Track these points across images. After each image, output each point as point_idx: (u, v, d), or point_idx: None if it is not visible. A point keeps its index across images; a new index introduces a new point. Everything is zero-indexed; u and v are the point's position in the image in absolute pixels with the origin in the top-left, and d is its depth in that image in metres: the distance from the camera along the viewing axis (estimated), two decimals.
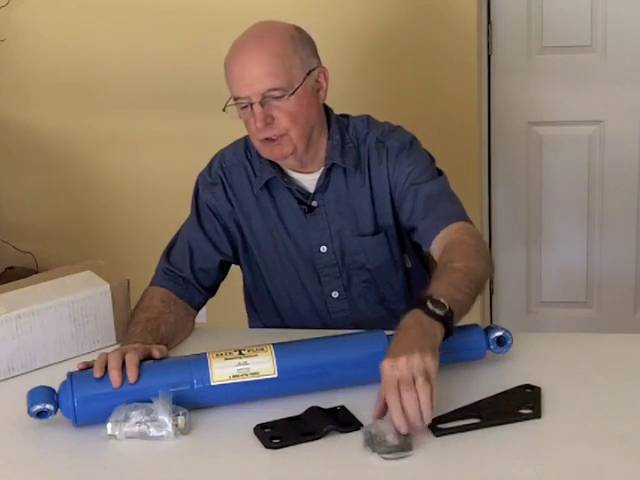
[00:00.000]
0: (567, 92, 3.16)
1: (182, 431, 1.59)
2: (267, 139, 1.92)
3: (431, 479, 1.48)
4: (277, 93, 1.88)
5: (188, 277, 2.04)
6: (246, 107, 1.90)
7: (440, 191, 1.97)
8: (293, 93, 1.89)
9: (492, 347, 1.76)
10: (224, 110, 1.94)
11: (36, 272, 2.99)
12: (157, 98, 3.22)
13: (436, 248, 1.89)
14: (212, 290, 2.10)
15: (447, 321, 1.62)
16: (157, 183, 3.29)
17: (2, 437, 1.65)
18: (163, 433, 1.58)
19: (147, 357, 1.70)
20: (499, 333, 1.76)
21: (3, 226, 3.42)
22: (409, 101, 3.07)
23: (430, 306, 1.62)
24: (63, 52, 3.24)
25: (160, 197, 3.29)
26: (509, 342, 1.76)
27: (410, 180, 1.97)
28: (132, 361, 1.65)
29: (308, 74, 1.92)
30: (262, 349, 1.68)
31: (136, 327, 1.87)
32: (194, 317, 2.05)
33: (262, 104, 1.88)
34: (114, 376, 1.63)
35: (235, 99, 1.92)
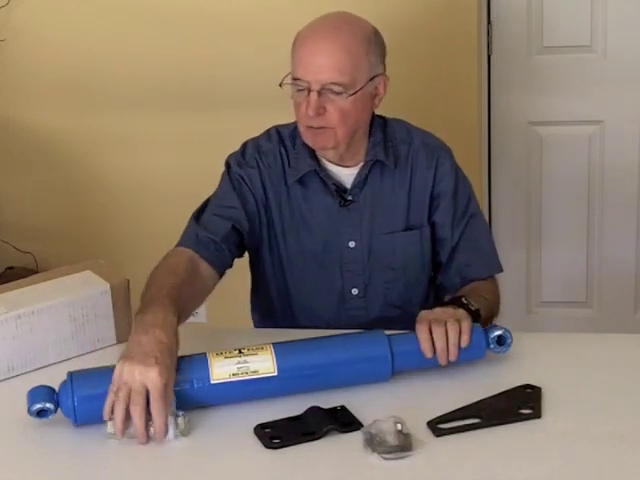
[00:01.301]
0: (567, 92, 3.16)
1: (182, 432, 1.58)
2: (312, 127, 1.92)
3: (431, 479, 1.48)
4: (337, 88, 1.89)
5: (217, 239, 1.97)
6: (302, 90, 1.90)
7: (480, 233, 2.09)
8: (353, 94, 1.90)
9: (492, 346, 1.76)
10: (280, 85, 1.94)
11: (36, 272, 2.99)
12: (157, 98, 3.22)
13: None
14: (238, 253, 2.05)
15: (476, 317, 1.81)
16: (157, 183, 3.29)
17: (2, 437, 1.65)
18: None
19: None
20: (499, 332, 1.76)
21: (3, 226, 3.42)
22: (409, 101, 3.07)
23: (464, 300, 1.85)
24: (63, 52, 3.24)
25: (160, 197, 3.29)
26: (509, 341, 1.76)
27: (457, 214, 2.05)
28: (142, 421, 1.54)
29: (371, 79, 1.94)
30: (262, 348, 1.68)
31: (159, 292, 1.75)
32: (216, 279, 1.97)
33: (319, 93, 1.89)
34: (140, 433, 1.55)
35: (294, 79, 1.92)
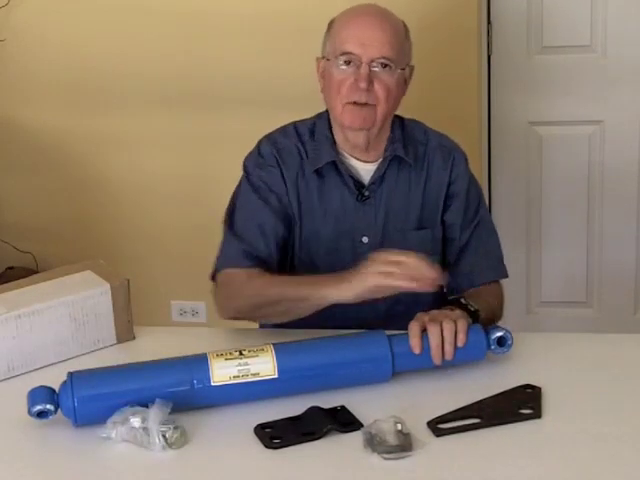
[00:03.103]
0: (567, 92, 3.16)
1: (171, 445, 1.56)
2: (354, 104, 1.93)
3: (431, 479, 1.48)
4: (387, 62, 1.92)
5: (267, 258, 1.99)
6: (349, 65, 1.93)
7: (488, 236, 2.11)
8: (400, 70, 1.95)
9: (492, 347, 1.76)
10: (323, 58, 1.97)
11: (36, 272, 2.98)
12: (157, 98, 3.22)
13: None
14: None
15: (475, 317, 1.82)
16: (157, 183, 3.29)
17: (2, 437, 1.65)
18: (151, 444, 1.56)
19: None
20: (499, 333, 1.76)
21: (3, 226, 3.42)
22: (409, 101, 3.06)
23: (463, 301, 1.86)
24: (63, 52, 3.24)
25: (160, 197, 3.29)
26: (509, 342, 1.76)
27: (468, 216, 2.07)
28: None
29: (407, 65, 1.99)
30: (262, 349, 1.68)
31: (293, 279, 1.90)
32: None
33: (369, 67, 1.91)
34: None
35: (342, 54, 1.93)
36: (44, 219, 3.43)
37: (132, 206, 3.34)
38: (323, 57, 2.01)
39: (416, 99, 3.08)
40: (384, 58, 1.92)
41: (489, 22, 3.13)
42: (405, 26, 2.01)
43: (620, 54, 3.10)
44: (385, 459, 1.50)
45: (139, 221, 3.34)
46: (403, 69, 1.97)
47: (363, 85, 1.91)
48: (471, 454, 1.52)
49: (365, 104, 1.94)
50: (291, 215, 2.04)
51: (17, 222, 3.44)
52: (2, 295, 1.92)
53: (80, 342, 1.92)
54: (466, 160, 2.12)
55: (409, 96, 3.15)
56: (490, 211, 3.27)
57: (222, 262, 2.02)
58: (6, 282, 2.02)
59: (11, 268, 3.37)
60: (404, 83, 2.01)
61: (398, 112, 2.07)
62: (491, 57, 3.17)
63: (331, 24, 2.01)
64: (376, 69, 1.93)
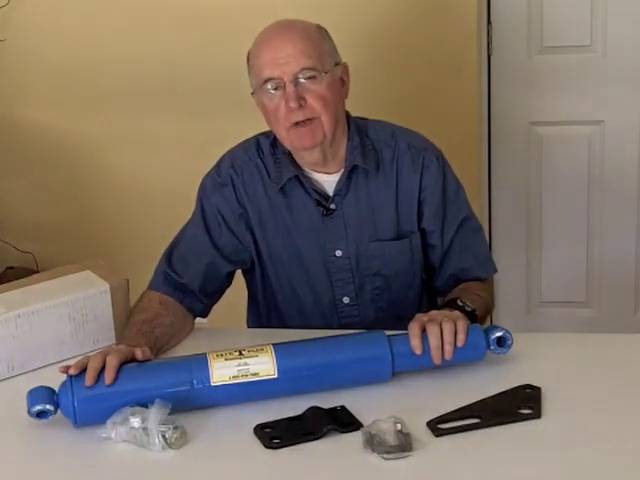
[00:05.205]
0: (567, 92, 3.16)
1: (171, 445, 1.56)
2: (297, 125, 1.90)
3: (431, 479, 1.48)
4: (310, 73, 1.88)
5: (189, 284, 2.00)
6: (276, 90, 1.89)
7: (472, 235, 2.06)
8: (326, 73, 1.89)
9: (492, 347, 1.76)
10: (252, 94, 1.95)
11: (36, 272, 2.98)
12: (158, 98, 3.22)
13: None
14: (215, 296, 2.06)
15: (473, 318, 1.81)
16: (157, 183, 3.29)
17: (2, 437, 1.65)
18: (151, 444, 1.56)
19: (131, 359, 1.68)
20: (499, 333, 1.76)
21: (3, 226, 3.42)
22: (409, 101, 3.07)
23: (459, 302, 1.85)
24: (63, 52, 3.24)
25: (160, 197, 3.29)
26: (509, 342, 1.76)
27: (448, 220, 2.02)
28: (111, 364, 1.63)
29: (336, 64, 1.94)
30: (262, 349, 1.68)
31: (130, 329, 1.86)
32: (193, 319, 2.03)
33: (294, 85, 1.88)
34: (89, 375, 1.62)
35: (265, 82, 1.90)
36: (44, 219, 3.43)
37: (132, 206, 3.34)
38: (253, 92, 1.97)
39: (416, 99, 3.09)
40: (305, 69, 1.87)
41: (489, 22, 3.13)
42: (320, 28, 1.95)
43: (620, 54, 3.10)
44: (385, 459, 1.50)
45: (139, 221, 3.34)
46: (330, 71, 1.91)
47: (293, 104, 1.87)
48: (471, 454, 1.52)
49: (306, 120, 1.89)
50: (250, 236, 2.02)
51: (17, 222, 3.44)
52: (2, 295, 1.92)
53: (79, 342, 1.92)
54: (439, 159, 2.02)
55: (409, 97, 3.16)
56: (490, 211, 3.28)
57: (151, 280, 2.03)
58: (6, 282, 2.02)
59: (11, 268, 3.37)
60: (340, 84, 1.96)
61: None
62: (491, 57, 3.17)
63: (248, 57, 1.97)
64: (303, 82, 1.88)
